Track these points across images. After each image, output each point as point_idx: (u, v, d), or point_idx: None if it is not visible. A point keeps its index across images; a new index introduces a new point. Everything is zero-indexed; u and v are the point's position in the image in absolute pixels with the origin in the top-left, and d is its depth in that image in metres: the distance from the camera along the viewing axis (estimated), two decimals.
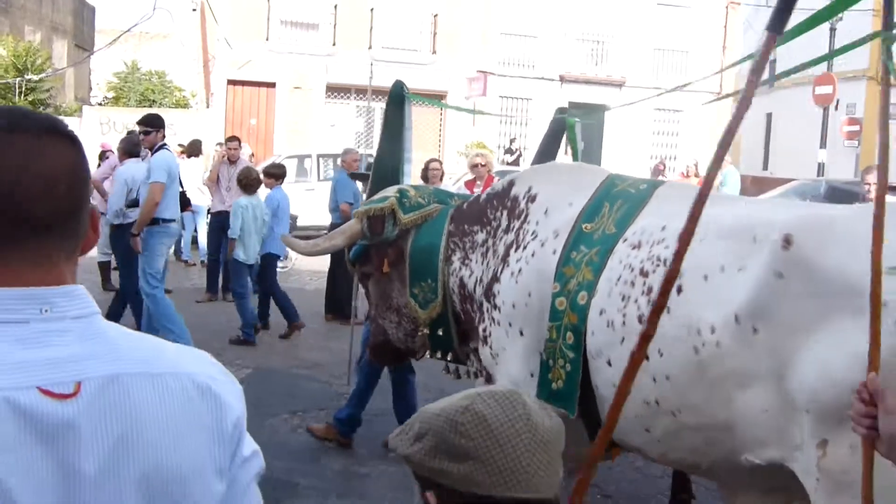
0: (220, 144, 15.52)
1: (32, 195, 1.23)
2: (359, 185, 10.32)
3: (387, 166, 5.50)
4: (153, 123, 8.55)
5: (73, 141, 1.31)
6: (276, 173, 10.18)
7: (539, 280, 3.96)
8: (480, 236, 4.46)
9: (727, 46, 29.47)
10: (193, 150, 14.54)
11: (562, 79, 28.39)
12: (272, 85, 24.94)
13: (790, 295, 2.92)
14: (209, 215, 12.72)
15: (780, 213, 3.42)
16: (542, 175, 4.60)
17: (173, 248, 12.08)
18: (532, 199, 4.30)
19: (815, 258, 2.98)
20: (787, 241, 3.07)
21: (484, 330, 4.28)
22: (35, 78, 19.47)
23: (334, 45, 25.47)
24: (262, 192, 10.01)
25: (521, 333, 4.05)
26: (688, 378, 3.34)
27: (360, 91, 26.44)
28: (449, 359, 4.93)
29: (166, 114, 22.26)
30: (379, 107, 27.40)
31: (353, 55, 24.68)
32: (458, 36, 26.17)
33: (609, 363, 3.62)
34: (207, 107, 23.68)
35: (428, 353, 5.00)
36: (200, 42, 24.70)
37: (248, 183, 9.39)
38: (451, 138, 26.20)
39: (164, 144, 8.49)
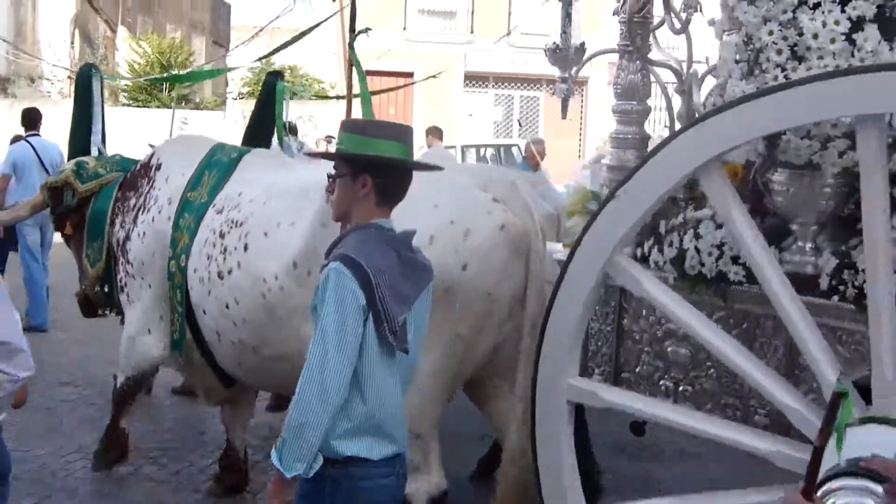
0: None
1: None
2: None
3: (77, 144, 6.00)
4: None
5: None
6: None
7: (158, 242, 4.66)
8: (132, 201, 5.01)
9: None
10: None
11: None
12: (410, 74, 24.56)
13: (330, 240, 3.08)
14: None
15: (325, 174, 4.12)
16: (169, 145, 5.46)
17: None
18: (158, 167, 4.97)
19: None
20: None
21: (121, 280, 4.97)
22: (182, 74, 19.61)
23: (472, 32, 24.93)
24: None
25: (150, 286, 4.76)
26: (260, 319, 4.10)
27: (499, 79, 25.80)
28: (116, 314, 5.45)
29: (305, 106, 22.22)
30: (518, 94, 26.82)
31: (492, 43, 24.04)
32: (599, 21, 25.13)
33: (204, 312, 4.40)
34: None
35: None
36: (339, 34, 24.50)
37: None
38: (592, 126, 25.26)
39: (21, 137, 9.16)
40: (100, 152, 6.07)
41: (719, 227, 3.10)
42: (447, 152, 15.07)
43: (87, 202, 5.28)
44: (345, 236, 2.82)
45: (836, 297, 2.85)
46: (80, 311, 5.90)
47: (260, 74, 26.33)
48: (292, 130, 12.24)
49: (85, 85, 5.93)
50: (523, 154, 11.41)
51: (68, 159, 5.77)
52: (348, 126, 2.91)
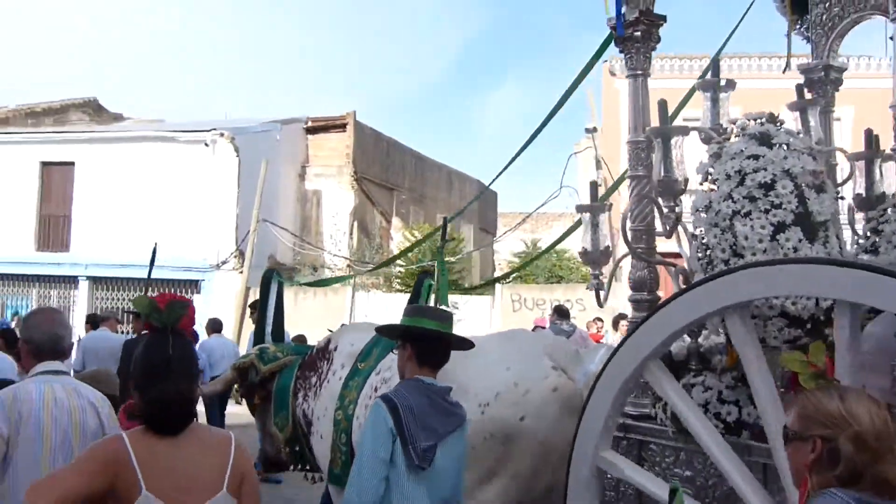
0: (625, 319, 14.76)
1: None
2: None
3: (260, 333, 6.99)
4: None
5: None
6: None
7: (330, 398, 5.60)
8: (313, 380, 5.98)
9: None
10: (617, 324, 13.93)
11: None
12: (677, 255, 23.71)
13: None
14: None
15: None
16: (343, 331, 6.39)
17: None
18: (335, 347, 6.00)
19: None
20: None
21: (309, 440, 5.91)
22: (453, 260, 20.04)
23: None
24: None
25: (322, 437, 5.65)
26: None
27: None
28: (308, 468, 6.26)
29: (575, 290, 21.87)
30: None
31: None
32: None
33: None
34: (617, 280, 22.95)
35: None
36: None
37: None
38: None
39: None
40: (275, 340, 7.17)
41: (705, 391, 3.77)
42: None
43: (269, 380, 6.25)
44: (396, 387, 3.81)
45: None
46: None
47: (525, 257, 26.49)
48: (564, 314, 11.99)
49: (266, 286, 7.09)
50: None
51: (253, 345, 6.86)
52: (405, 311, 3.95)
